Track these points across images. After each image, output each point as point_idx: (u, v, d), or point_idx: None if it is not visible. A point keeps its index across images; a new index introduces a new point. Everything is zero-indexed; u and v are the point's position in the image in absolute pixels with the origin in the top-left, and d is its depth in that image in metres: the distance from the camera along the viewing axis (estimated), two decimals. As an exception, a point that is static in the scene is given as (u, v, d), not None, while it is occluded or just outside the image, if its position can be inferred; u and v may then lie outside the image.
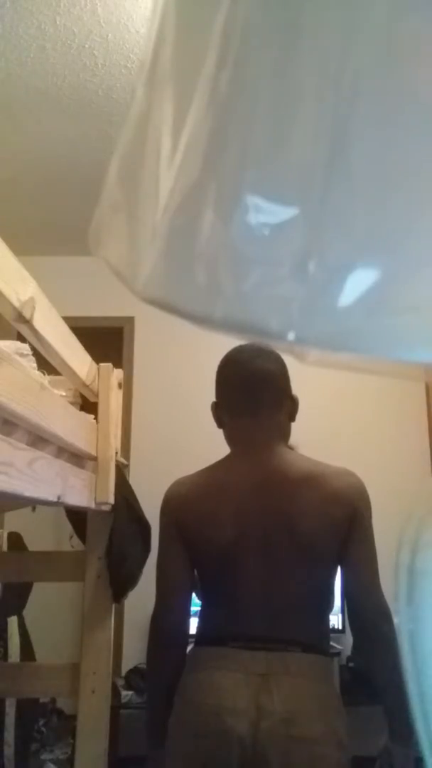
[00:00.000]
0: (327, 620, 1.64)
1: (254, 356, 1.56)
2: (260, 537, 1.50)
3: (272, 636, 1.48)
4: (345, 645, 3.34)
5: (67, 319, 1.78)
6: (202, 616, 1.59)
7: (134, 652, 3.42)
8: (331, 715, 1.47)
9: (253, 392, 1.55)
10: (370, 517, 1.61)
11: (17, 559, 2.63)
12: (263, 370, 1.54)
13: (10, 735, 2.78)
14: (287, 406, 1.60)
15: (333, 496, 1.50)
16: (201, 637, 1.56)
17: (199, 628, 1.59)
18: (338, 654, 3.22)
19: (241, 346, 1.59)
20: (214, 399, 1.66)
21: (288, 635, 1.49)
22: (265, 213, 0.34)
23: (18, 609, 3.00)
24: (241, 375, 1.56)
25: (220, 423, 1.62)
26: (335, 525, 1.51)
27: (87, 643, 2.04)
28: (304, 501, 1.48)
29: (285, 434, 1.61)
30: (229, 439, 1.61)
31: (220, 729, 1.39)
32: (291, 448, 1.64)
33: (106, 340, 3.52)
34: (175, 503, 1.58)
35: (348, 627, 3.40)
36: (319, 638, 1.55)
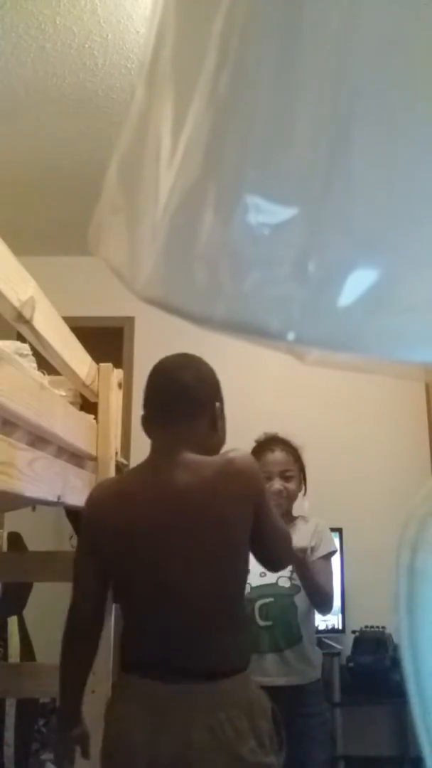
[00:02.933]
0: (241, 631, 1.58)
1: (173, 368, 1.62)
2: (157, 554, 1.49)
3: (173, 664, 1.45)
4: (345, 645, 3.34)
5: (67, 319, 1.78)
6: (122, 634, 1.63)
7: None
8: (235, 746, 1.38)
9: (166, 404, 1.59)
10: (263, 490, 1.58)
11: (17, 559, 2.63)
12: (178, 382, 1.58)
13: (10, 735, 2.78)
14: (207, 416, 1.60)
15: (227, 496, 1.49)
16: (122, 659, 1.57)
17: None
18: (338, 654, 3.23)
19: (165, 358, 1.66)
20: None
21: (189, 663, 1.45)
22: (265, 213, 0.33)
23: (18, 609, 3.00)
24: (157, 387, 1.61)
25: (147, 433, 1.64)
26: (238, 519, 1.50)
27: (87, 643, 2.03)
28: (202, 512, 1.49)
29: (203, 443, 1.59)
30: (150, 448, 1.62)
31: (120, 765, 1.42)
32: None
33: (106, 340, 3.52)
34: (92, 516, 1.60)
35: (348, 627, 3.41)
36: (228, 658, 1.49)
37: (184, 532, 1.47)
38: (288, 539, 1.67)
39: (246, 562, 1.58)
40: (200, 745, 1.37)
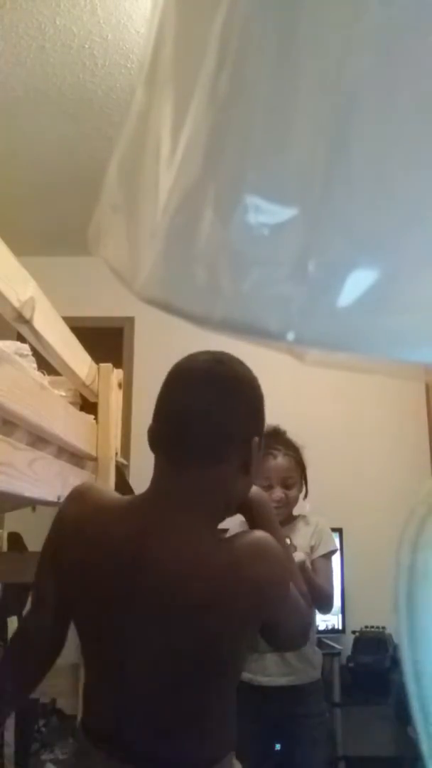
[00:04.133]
0: (224, 714, 1.17)
1: (201, 382, 1.13)
2: (124, 623, 1.10)
3: (137, 749, 1.10)
4: (345, 645, 3.34)
5: (67, 319, 1.78)
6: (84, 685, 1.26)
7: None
8: None
9: (177, 438, 1.13)
10: (281, 596, 1.14)
11: (17, 559, 2.62)
12: (206, 409, 1.10)
13: (10, 735, 2.78)
14: (239, 457, 1.13)
15: (224, 610, 1.06)
16: (84, 716, 1.21)
17: None
18: (338, 654, 3.23)
19: (193, 360, 1.17)
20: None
21: (157, 748, 1.10)
22: (265, 213, 0.33)
23: (18, 609, 3.00)
24: (173, 408, 1.14)
25: (152, 449, 1.18)
26: (231, 636, 1.09)
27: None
28: (184, 616, 1.07)
29: (226, 491, 1.15)
30: (153, 477, 1.18)
31: None
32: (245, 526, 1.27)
33: (106, 340, 3.52)
34: (59, 538, 1.20)
35: (348, 627, 3.41)
36: (206, 745, 1.14)
37: (158, 625, 1.08)
38: (307, 625, 1.28)
39: (244, 657, 1.26)
40: None
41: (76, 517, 1.18)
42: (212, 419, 1.11)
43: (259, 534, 1.13)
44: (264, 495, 1.32)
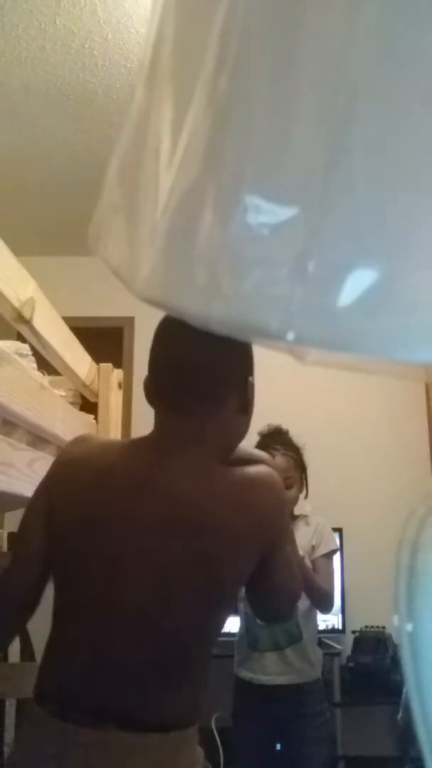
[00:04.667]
0: (197, 680, 1.14)
1: (192, 336, 1.06)
2: (116, 563, 1.11)
3: (98, 704, 1.07)
4: (345, 645, 3.34)
5: (67, 319, 1.78)
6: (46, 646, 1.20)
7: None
8: None
9: (178, 385, 1.18)
10: (283, 533, 1.19)
11: (17, 559, 2.62)
12: (199, 357, 1.15)
13: (10, 735, 2.78)
14: (236, 396, 1.20)
15: (229, 530, 1.09)
16: (38, 681, 1.16)
17: None
18: (338, 654, 3.23)
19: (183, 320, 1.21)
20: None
21: (120, 705, 1.07)
22: (265, 213, 0.33)
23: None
24: (170, 358, 1.18)
25: (149, 401, 1.22)
26: (233, 562, 1.11)
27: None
28: (190, 536, 1.09)
29: (229, 430, 1.21)
30: (155, 424, 1.22)
31: None
32: (241, 455, 1.27)
33: (106, 340, 3.52)
34: (59, 474, 1.22)
35: (348, 627, 3.41)
36: (174, 708, 1.10)
37: (158, 551, 1.10)
38: (296, 593, 1.29)
39: (229, 608, 1.22)
40: None
41: (79, 455, 1.21)
42: (208, 364, 1.16)
43: (268, 468, 1.18)
44: (270, 459, 1.34)
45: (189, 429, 1.17)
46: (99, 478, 1.17)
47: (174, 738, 1.08)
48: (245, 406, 1.21)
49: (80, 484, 1.17)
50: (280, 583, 1.19)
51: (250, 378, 1.22)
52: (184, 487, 1.12)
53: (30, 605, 1.22)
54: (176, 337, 1.16)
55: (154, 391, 1.21)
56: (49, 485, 1.22)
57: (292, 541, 1.26)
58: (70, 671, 1.12)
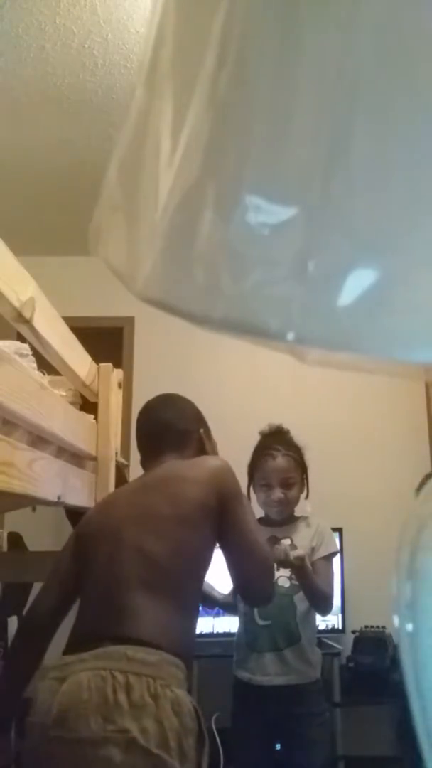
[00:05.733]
0: (184, 615, 1.47)
1: (153, 408, 1.79)
2: (113, 523, 1.54)
3: (90, 631, 1.40)
4: (345, 645, 3.34)
5: (67, 319, 1.78)
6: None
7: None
8: (121, 711, 1.23)
9: (153, 441, 1.73)
10: (233, 490, 1.57)
11: (17, 559, 2.62)
12: (160, 420, 1.74)
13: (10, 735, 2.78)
14: (193, 444, 1.73)
15: (190, 477, 1.56)
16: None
17: None
18: (338, 654, 3.23)
19: (148, 402, 1.82)
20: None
21: (104, 629, 1.38)
22: (265, 213, 0.33)
23: (18, 609, 3.00)
24: (143, 428, 1.77)
25: (140, 453, 1.77)
26: (196, 498, 1.52)
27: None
28: (160, 483, 1.59)
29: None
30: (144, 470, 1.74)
31: (30, 739, 1.34)
32: None
33: (106, 340, 3.51)
34: (84, 518, 1.70)
35: (348, 627, 3.41)
36: (157, 631, 1.37)
37: (140, 504, 1.55)
38: (264, 563, 1.60)
39: (203, 550, 1.53)
40: (87, 703, 1.24)
41: (96, 505, 1.77)
42: (169, 426, 1.72)
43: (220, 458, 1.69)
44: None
45: (166, 464, 1.64)
46: (107, 501, 1.73)
47: (159, 654, 1.32)
48: (203, 449, 1.73)
49: (96, 510, 1.68)
50: (245, 538, 1.54)
51: (202, 429, 1.75)
52: (163, 468, 1.62)
53: (53, 626, 1.58)
54: (146, 414, 1.78)
55: (142, 457, 1.74)
56: (77, 529, 1.67)
57: (248, 510, 1.62)
58: (83, 617, 1.47)
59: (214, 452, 1.76)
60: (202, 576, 1.57)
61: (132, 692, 1.24)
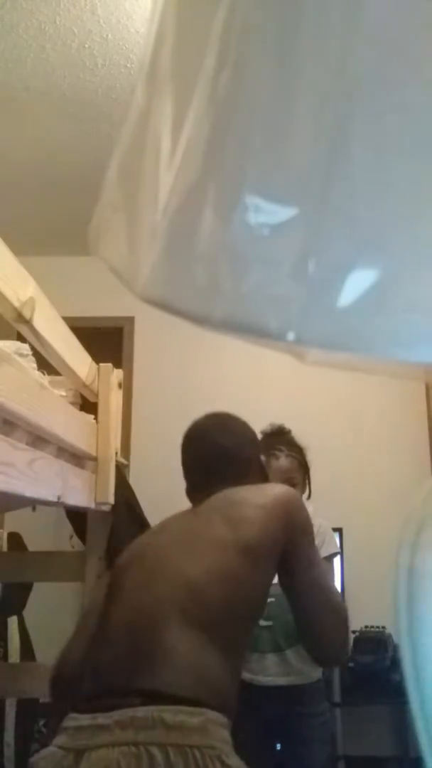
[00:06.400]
0: (228, 659, 1.15)
1: (208, 432, 1.51)
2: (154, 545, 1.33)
3: (111, 683, 1.10)
4: (345, 645, 3.34)
5: (67, 319, 1.78)
6: None
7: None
8: None
9: (209, 470, 1.45)
10: (308, 529, 1.34)
11: (17, 559, 2.62)
12: (219, 446, 1.46)
13: (10, 735, 2.78)
14: (253, 474, 1.47)
15: (253, 503, 1.32)
16: None
17: None
18: (338, 654, 3.23)
19: (197, 422, 1.54)
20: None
21: (130, 680, 1.08)
22: (265, 213, 0.33)
23: (18, 609, 3.00)
24: (195, 455, 1.50)
25: (192, 502, 1.49)
26: (258, 528, 1.28)
27: (87, 643, 2.03)
28: (219, 506, 1.34)
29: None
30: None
31: None
32: None
33: (106, 340, 3.51)
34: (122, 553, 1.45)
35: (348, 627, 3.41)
36: (193, 678, 1.10)
37: (190, 527, 1.32)
38: (340, 614, 1.34)
39: (261, 585, 1.29)
40: None
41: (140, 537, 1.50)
42: (231, 455, 1.46)
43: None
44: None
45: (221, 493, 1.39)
46: (151, 530, 1.51)
47: (203, 713, 1.05)
48: (263, 478, 1.51)
49: (138, 539, 1.46)
50: (317, 587, 1.30)
51: (262, 456, 1.54)
52: (220, 495, 1.36)
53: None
54: (199, 439, 1.50)
55: (191, 487, 1.49)
56: (116, 562, 1.44)
57: (317, 551, 1.38)
58: (99, 655, 1.19)
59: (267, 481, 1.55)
60: (253, 618, 1.33)
61: None
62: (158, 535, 1.40)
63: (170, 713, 1.02)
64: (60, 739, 1.08)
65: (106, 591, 1.33)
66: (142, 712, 1.02)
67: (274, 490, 1.37)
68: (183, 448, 1.52)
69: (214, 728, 1.05)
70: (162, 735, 1.00)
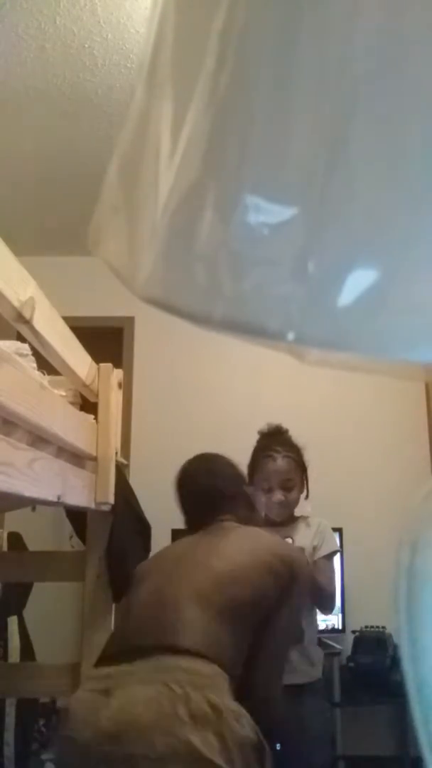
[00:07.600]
0: (234, 632, 1.42)
1: (197, 475, 1.80)
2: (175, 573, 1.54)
3: (137, 644, 1.36)
4: (345, 645, 3.34)
5: (67, 319, 1.78)
6: None
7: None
8: (182, 723, 1.19)
9: (204, 508, 1.74)
10: (297, 592, 1.59)
11: (17, 559, 2.62)
12: (208, 487, 1.75)
13: (10, 735, 2.78)
14: (244, 503, 1.78)
15: (262, 562, 1.55)
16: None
17: None
18: (338, 654, 3.22)
19: (187, 466, 1.82)
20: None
21: (154, 640, 1.35)
22: (265, 213, 0.33)
23: (18, 609, 3.00)
24: (190, 497, 1.78)
25: (188, 527, 1.80)
26: (258, 585, 1.49)
27: (87, 643, 2.03)
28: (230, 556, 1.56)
29: (247, 523, 1.77)
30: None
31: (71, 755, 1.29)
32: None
33: (106, 340, 3.51)
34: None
35: (348, 627, 3.41)
36: (206, 641, 1.35)
37: (209, 540, 1.58)
38: (275, 684, 1.52)
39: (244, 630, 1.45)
40: (145, 717, 1.20)
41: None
42: (220, 494, 1.73)
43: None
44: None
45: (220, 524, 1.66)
46: (177, 547, 1.77)
47: (213, 666, 1.29)
48: (251, 508, 1.80)
49: (157, 557, 1.80)
50: (273, 649, 1.48)
51: (249, 488, 1.85)
52: (229, 540, 1.60)
53: None
54: (192, 482, 1.78)
55: (192, 520, 1.76)
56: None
57: (293, 619, 1.65)
58: (124, 631, 1.50)
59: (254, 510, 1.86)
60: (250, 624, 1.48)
61: (191, 704, 1.20)
62: (180, 545, 1.67)
63: (186, 661, 1.27)
64: (89, 684, 1.32)
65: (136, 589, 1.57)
66: (162, 660, 1.27)
67: (287, 552, 1.62)
68: (178, 490, 1.80)
69: (221, 679, 1.29)
70: (182, 676, 1.24)
